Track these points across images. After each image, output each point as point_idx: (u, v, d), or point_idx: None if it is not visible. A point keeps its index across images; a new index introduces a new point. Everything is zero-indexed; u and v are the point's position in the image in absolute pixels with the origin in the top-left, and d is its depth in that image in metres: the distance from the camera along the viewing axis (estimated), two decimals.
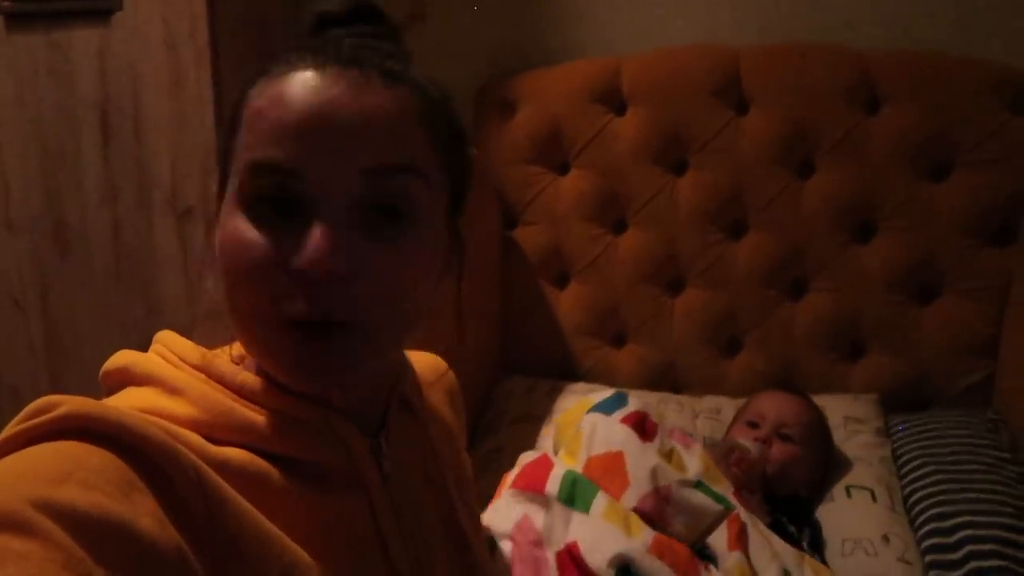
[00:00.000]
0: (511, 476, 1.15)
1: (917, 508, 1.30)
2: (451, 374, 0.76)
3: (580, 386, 1.70)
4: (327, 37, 0.55)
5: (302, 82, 0.50)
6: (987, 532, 1.19)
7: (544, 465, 1.14)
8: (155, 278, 1.46)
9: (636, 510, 1.09)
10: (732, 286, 1.69)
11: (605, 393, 1.32)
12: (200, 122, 1.38)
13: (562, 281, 1.78)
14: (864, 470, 1.41)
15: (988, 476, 1.30)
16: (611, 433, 1.19)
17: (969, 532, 1.20)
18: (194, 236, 1.43)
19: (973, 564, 1.17)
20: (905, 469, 1.40)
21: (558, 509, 1.07)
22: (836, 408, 1.50)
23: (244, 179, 0.51)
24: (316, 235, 0.48)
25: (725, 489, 1.21)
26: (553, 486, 1.09)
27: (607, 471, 1.14)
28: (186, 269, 1.44)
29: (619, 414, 1.24)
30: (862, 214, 1.63)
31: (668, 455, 1.22)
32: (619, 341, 1.77)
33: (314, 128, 0.49)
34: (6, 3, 1.41)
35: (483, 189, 1.69)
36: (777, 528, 1.24)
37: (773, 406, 1.43)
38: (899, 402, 1.61)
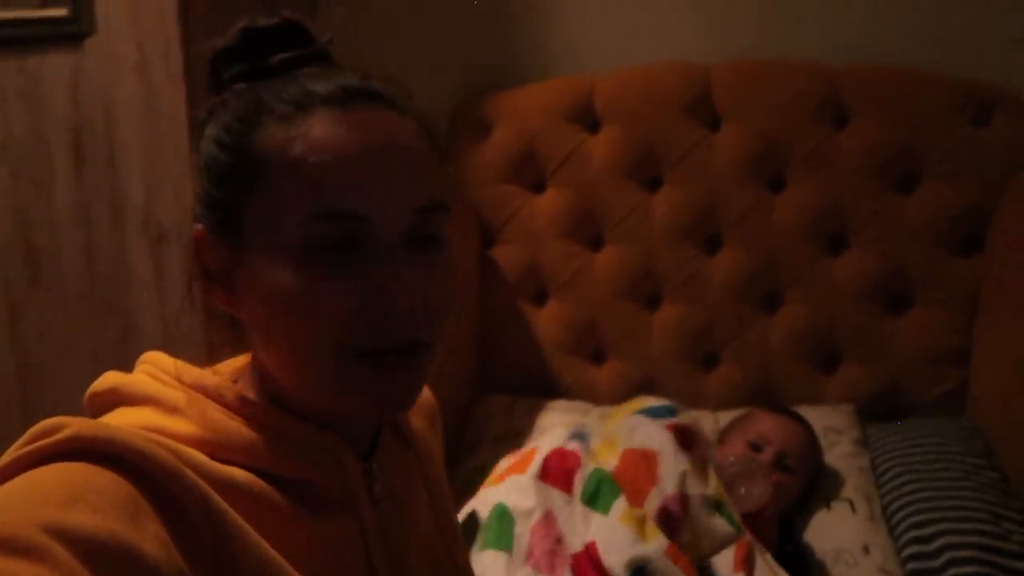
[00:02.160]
0: (537, 457, 1.21)
1: (896, 517, 1.31)
2: (432, 397, 0.76)
3: (561, 403, 1.70)
4: (283, 71, 0.54)
5: (333, 123, 0.51)
6: (966, 539, 1.20)
7: (572, 460, 1.20)
8: (128, 302, 1.44)
9: (661, 511, 1.14)
10: (708, 300, 1.70)
11: (658, 401, 1.39)
12: (174, 146, 1.37)
13: (540, 299, 1.79)
14: (843, 481, 1.42)
15: (965, 483, 1.32)
16: (652, 433, 1.26)
17: (948, 539, 1.21)
18: (168, 260, 1.42)
19: (953, 571, 1.18)
20: (883, 479, 1.41)
21: (579, 509, 1.14)
22: (814, 419, 1.51)
23: (303, 228, 0.50)
24: (400, 274, 0.51)
25: (733, 509, 1.22)
26: (579, 486, 1.17)
27: (638, 467, 1.19)
28: (160, 293, 1.43)
29: (664, 420, 1.30)
30: (833, 227, 1.65)
31: (702, 469, 1.25)
32: (598, 357, 1.78)
33: (371, 172, 0.51)
34: None
35: (460, 209, 1.69)
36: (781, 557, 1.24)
37: (778, 432, 1.40)
38: (875, 411, 1.62)
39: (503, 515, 1.13)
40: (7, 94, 1.42)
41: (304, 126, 0.51)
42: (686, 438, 1.27)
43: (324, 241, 0.50)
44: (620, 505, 1.13)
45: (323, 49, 0.57)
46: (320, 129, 0.51)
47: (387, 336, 0.51)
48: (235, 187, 0.53)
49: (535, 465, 1.19)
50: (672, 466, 1.19)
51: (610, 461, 1.22)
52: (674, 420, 1.30)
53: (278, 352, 0.53)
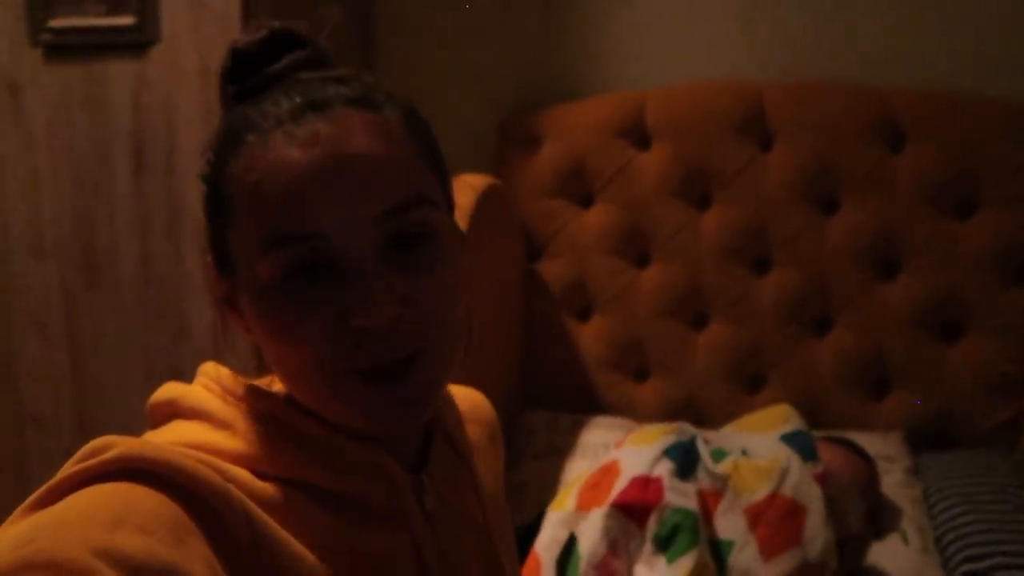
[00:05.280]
0: (619, 483, 1.19)
1: (950, 550, 1.29)
2: (492, 410, 0.75)
3: (603, 420, 1.69)
4: (283, 83, 0.53)
5: (284, 143, 0.50)
6: (1022, 574, 1.17)
7: (653, 493, 1.16)
8: (183, 307, 1.46)
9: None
10: (756, 321, 1.68)
11: (795, 423, 1.36)
12: None
13: (585, 314, 1.78)
14: (896, 512, 1.39)
15: (1019, 516, 1.28)
16: (805, 485, 1.20)
17: (1005, 574, 1.18)
18: None
19: None
20: (936, 509, 1.38)
21: (648, 548, 1.12)
22: (865, 446, 1.49)
23: (266, 258, 0.50)
24: (363, 296, 0.49)
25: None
26: (653, 526, 1.13)
27: (783, 520, 1.15)
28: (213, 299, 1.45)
29: (811, 466, 1.25)
30: (887, 251, 1.63)
31: None
32: (641, 375, 1.76)
33: (320, 188, 0.49)
34: (46, 36, 1.44)
35: (507, 222, 1.70)
36: None
37: (845, 469, 1.35)
38: (925, 440, 1.59)
39: (575, 558, 1.13)
40: (72, 100, 1.46)
41: (259, 152, 0.50)
42: (826, 492, 1.22)
43: (287, 266, 0.50)
44: (687, 562, 1.08)
45: (318, 52, 0.56)
46: (273, 153, 0.50)
47: (365, 358, 0.50)
48: (219, 221, 0.53)
49: (615, 493, 1.17)
50: (819, 530, 1.14)
51: (758, 492, 1.17)
52: (820, 469, 1.24)
53: (281, 376, 0.54)
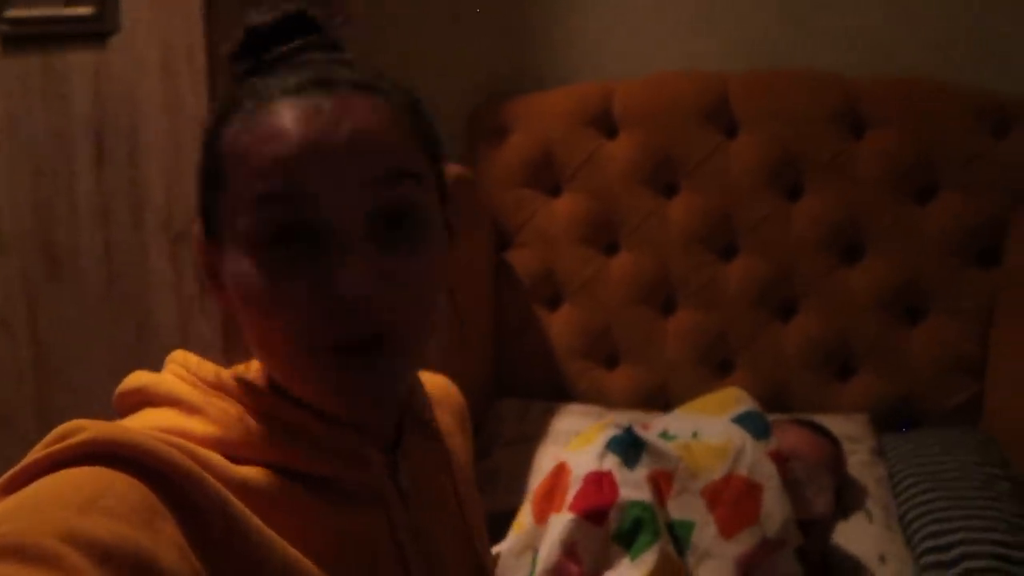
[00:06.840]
0: (572, 485, 1.18)
1: (913, 527, 1.31)
2: (460, 396, 0.76)
3: (574, 407, 1.70)
4: (291, 61, 0.54)
5: (285, 111, 0.50)
6: (984, 548, 1.20)
7: (607, 491, 1.16)
8: (147, 300, 1.45)
9: (748, 555, 1.12)
10: (723, 307, 1.70)
11: (747, 403, 1.36)
12: (196, 145, 1.35)
13: (555, 303, 1.79)
14: (860, 491, 1.41)
15: (982, 493, 1.31)
16: (760, 463, 1.21)
17: (966, 549, 1.21)
18: (186, 259, 1.42)
19: None
20: (900, 488, 1.41)
21: (611, 546, 1.12)
22: (830, 427, 1.51)
23: (252, 216, 0.50)
24: (346, 263, 0.49)
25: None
26: (613, 522, 1.13)
27: (741, 498, 1.17)
28: (179, 292, 1.43)
29: (764, 444, 1.25)
30: (850, 236, 1.65)
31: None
32: (612, 362, 1.78)
33: (313, 152, 0.50)
34: (3, 26, 1.41)
35: (476, 212, 1.70)
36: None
37: (812, 451, 1.36)
38: (889, 421, 1.62)
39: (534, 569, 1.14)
40: (31, 91, 1.43)
41: (259, 119, 0.51)
42: (782, 470, 1.23)
43: (268, 227, 0.50)
44: (650, 557, 1.07)
45: (330, 36, 0.57)
46: (273, 120, 0.50)
47: (340, 330, 0.50)
48: (209, 186, 0.54)
49: (571, 495, 1.16)
50: (776, 507, 1.15)
51: (715, 472, 1.18)
52: (773, 447, 1.25)
53: (258, 352, 0.54)
